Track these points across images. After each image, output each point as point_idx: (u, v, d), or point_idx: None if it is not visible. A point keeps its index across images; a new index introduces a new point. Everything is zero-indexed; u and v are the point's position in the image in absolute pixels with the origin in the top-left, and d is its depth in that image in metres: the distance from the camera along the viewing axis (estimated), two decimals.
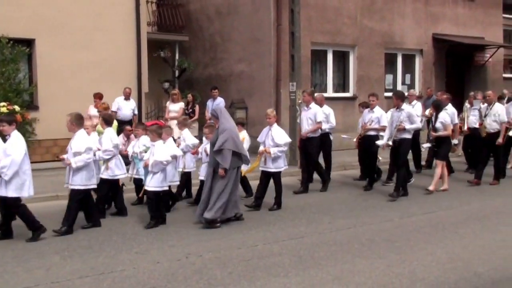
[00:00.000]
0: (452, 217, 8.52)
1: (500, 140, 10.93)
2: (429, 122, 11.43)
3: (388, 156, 10.67)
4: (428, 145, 10.80)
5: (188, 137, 9.56)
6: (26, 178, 7.17)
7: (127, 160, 9.11)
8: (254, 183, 9.58)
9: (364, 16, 16.62)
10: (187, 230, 7.71)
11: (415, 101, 12.48)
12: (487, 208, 9.16)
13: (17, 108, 11.35)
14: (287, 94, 13.58)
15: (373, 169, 10.98)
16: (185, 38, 17.36)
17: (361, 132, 10.98)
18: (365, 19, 16.65)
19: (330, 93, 16.04)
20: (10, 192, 7.04)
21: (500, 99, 13.03)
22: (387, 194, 9.92)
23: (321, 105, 10.94)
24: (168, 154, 8.02)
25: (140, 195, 8.89)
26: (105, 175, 8.51)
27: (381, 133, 10.56)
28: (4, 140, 7.24)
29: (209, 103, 14.03)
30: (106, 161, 8.51)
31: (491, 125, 11.02)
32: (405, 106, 10.05)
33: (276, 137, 8.93)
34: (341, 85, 16.79)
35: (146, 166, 8.01)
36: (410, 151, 10.76)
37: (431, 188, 10.21)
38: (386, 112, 11.18)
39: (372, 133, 10.81)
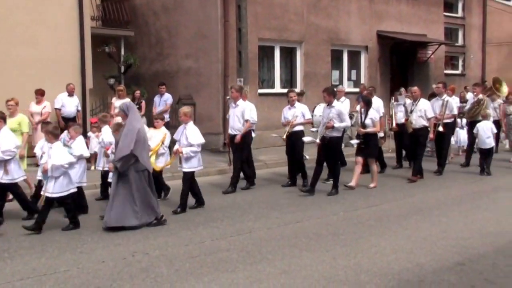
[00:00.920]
0: (396, 209, 8.73)
1: (431, 135, 11.15)
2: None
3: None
4: (356, 141, 10.55)
5: (106, 134, 9.01)
6: None
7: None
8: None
9: (310, 13, 16.79)
10: (133, 228, 7.58)
11: (343, 98, 12.53)
12: (429, 200, 9.42)
13: None
14: None
15: (302, 165, 10.73)
16: (131, 33, 17.07)
17: (288, 129, 10.66)
18: (311, 16, 16.82)
19: (277, 89, 16.14)
20: None
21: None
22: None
23: (244, 100, 10.60)
24: (67, 157, 7.54)
25: (40, 202, 7.76)
26: (4, 179, 7.96)
27: (312, 129, 10.52)
28: None
29: (156, 99, 13.86)
30: (5, 163, 7.94)
31: (417, 120, 11.06)
32: (336, 103, 9.95)
33: (190, 136, 8.52)
34: (289, 81, 16.92)
35: (45, 172, 7.48)
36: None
37: (371, 185, 10.31)
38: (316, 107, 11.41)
39: (298, 128, 10.61)
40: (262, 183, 11.03)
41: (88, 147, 9.13)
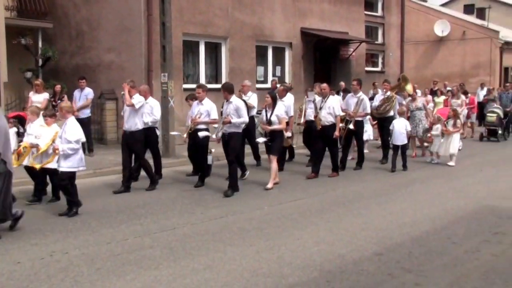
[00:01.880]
0: (319, 203, 8.92)
1: (336, 133, 11.00)
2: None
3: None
4: (263, 139, 10.25)
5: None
6: None
7: None
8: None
9: (235, 9, 16.81)
10: (52, 227, 7.31)
11: (250, 93, 12.27)
12: (350, 193, 9.70)
13: None
14: (159, 85, 13.36)
15: (206, 165, 10.34)
16: (49, 25, 16.37)
17: (190, 126, 10.26)
18: (236, 12, 16.85)
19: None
20: None
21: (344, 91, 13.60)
22: (258, 184, 10.16)
23: (146, 97, 10.18)
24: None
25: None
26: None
27: (215, 125, 10.09)
28: None
29: (76, 93, 13.38)
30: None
31: (326, 117, 10.94)
32: (234, 98, 9.65)
33: (68, 132, 7.90)
34: (214, 76, 16.89)
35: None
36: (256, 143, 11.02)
37: (269, 186, 9.88)
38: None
39: (202, 126, 10.15)
40: (187, 178, 10.94)
41: None
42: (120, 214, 8.04)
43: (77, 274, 5.48)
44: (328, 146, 11.19)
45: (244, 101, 10.88)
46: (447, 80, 27.19)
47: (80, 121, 13.04)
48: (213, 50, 16.92)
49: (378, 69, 24.08)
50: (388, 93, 13.18)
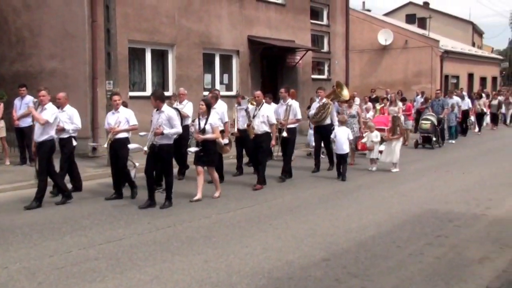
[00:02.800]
0: (267, 210, 8.94)
1: (273, 142, 10.92)
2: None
3: None
4: (195, 149, 9.69)
5: None
6: None
7: None
8: None
9: (182, 16, 16.72)
10: None
11: (186, 101, 11.74)
12: (298, 200, 9.77)
13: None
14: (104, 92, 13.11)
15: (126, 175, 9.93)
16: None
17: (110, 136, 9.73)
18: (183, 19, 16.76)
19: (149, 91, 15.82)
20: None
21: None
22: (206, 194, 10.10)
23: (64, 105, 9.83)
24: None
25: None
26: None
27: (141, 133, 9.44)
28: None
29: (17, 102, 12.96)
30: None
31: (259, 126, 10.72)
32: (165, 107, 9.14)
33: None
34: (161, 83, 16.69)
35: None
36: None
37: (216, 194, 9.69)
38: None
39: (122, 135, 9.71)
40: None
41: None
42: (64, 225, 7.82)
43: None
44: (258, 156, 10.90)
45: (178, 109, 10.67)
46: (391, 87, 27.97)
47: (21, 130, 12.80)
48: (160, 58, 16.75)
49: (324, 76, 24.45)
50: (324, 100, 12.92)
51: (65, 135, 9.71)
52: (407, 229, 7.63)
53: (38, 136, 9.15)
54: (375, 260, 6.21)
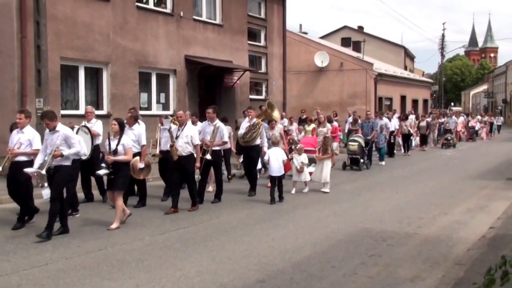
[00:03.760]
0: (202, 231, 8.77)
1: (197, 164, 10.46)
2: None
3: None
4: (105, 171, 9.01)
5: None
6: None
7: None
8: None
9: (117, 34, 16.44)
10: None
11: (94, 119, 11.13)
12: (234, 220, 9.66)
13: None
14: (34, 111, 12.59)
15: (30, 202, 9.11)
16: None
17: (8, 157, 8.76)
18: (118, 37, 16.48)
19: (82, 110, 15.38)
20: None
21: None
22: (140, 214, 9.83)
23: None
24: None
25: None
26: None
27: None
28: None
29: None
30: None
31: (183, 147, 10.24)
32: (60, 126, 8.43)
33: None
34: (94, 102, 16.27)
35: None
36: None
37: (113, 226, 8.73)
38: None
39: (23, 158, 8.82)
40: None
41: None
42: None
43: None
44: (185, 178, 10.58)
45: (88, 128, 10.38)
46: (327, 108, 28.51)
47: None
48: (94, 76, 16.36)
49: (262, 97, 24.62)
50: (254, 120, 12.56)
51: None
52: (342, 248, 7.66)
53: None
54: (310, 281, 6.16)
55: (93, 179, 11.03)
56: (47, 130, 8.47)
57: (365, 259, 7.10)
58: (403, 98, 38.39)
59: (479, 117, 39.63)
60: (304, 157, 12.56)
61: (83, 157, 9.67)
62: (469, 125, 34.00)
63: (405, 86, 38.92)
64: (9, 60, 13.77)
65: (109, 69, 16.29)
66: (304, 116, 22.68)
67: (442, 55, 65.08)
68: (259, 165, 13.66)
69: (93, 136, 10.57)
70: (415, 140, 26.40)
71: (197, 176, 11.25)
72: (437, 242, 8.11)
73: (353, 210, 10.70)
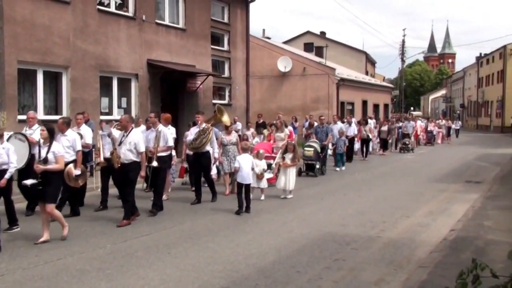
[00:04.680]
0: (166, 237, 8.64)
1: (142, 173, 9.80)
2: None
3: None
4: (32, 181, 8.27)
5: None
6: None
7: None
8: None
9: (77, 38, 16.12)
10: None
11: (36, 125, 10.50)
12: (198, 226, 9.54)
13: None
14: None
15: None
16: None
17: None
18: (78, 41, 16.16)
19: (41, 115, 14.99)
20: None
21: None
22: (101, 222, 9.61)
23: None
24: None
25: None
26: None
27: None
28: None
29: None
30: None
31: (126, 154, 9.56)
32: None
33: None
34: (53, 107, 15.91)
35: None
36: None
37: (42, 239, 8.15)
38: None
39: None
40: (23, 218, 9.95)
41: None
42: None
43: None
44: (124, 187, 9.78)
45: (25, 135, 9.91)
46: (290, 112, 28.67)
47: None
48: (53, 80, 15.99)
49: (226, 101, 24.54)
50: (204, 125, 12.09)
51: None
52: (306, 253, 7.65)
53: None
54: (275, 287, 6.12)
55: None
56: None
57: (330, 264, 7.11)
58: (364, 103, 38.91)
59: (439, 121, 40.51)
60: (264, 163, 12.20)
61: (11, 168, 8.70)
62: (428, 129, 34.66)
63: (366, 91, 39.46)
64: None
65: (68, 73, 15.95)
66: (261, 121, 22.66)
67: (403, 61, 66.23)
68: (214, 170, 13.37)
69: (31, 143, 9.91)
70: (374, 145, 26.60)
71: (143, 185, 10.74)
72: (400, 245, 8.19)
73: (316, 214, 10.72)
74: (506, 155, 25.02)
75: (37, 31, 14.92)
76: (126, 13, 18.15)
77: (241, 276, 6.51)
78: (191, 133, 12.31)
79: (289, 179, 12.55)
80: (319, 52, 41.14)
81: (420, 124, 34.21)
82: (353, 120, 23.83)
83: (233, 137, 13.29)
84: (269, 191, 12.82)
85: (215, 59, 23.81)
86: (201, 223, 9.85)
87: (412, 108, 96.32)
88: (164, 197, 11.48)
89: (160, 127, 11.04)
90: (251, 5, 25.96)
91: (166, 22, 20.24)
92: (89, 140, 11.18)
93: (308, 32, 51.01)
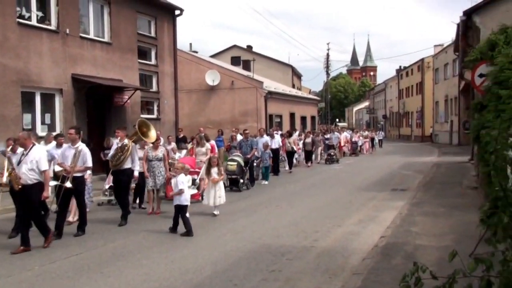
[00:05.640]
0: (97, 257, 8.37)
1: (45, 193, 9.07)
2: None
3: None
4: None
5: None
6: None
7: None
8: None
9: None
10: None
11: None
12: (131, 244, 9.31)
13: None
14: None
15: None
16: None
17: None
18: None
19: None
20: None
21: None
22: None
23: None
24: None
25: None
26: None
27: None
28: None
29: None
30: None
31: (27, 174, 8.79)
32: None
33: None
34: None
35: None
36: None
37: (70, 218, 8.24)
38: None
39: None
40: None
41: None
42: None
43: None
44: (28, 210, 8.91)
45: None
46: (219, 126, 28.70)
47: None
48: None
49: (154, 116, 24.21)
50: (126, 141, 11.59)
51: None
52: (243, 266, 7.64)
53: None
54: None
55: None
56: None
57: (266, 275, 7.13)
58: (292, 115, 39.55)
59: (362, 132, 41.86)
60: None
61: None
62: (353, 140, 35.68)
63: (294, 104, 40.15)
64: None
65: None
66: (182, 135, 22.44)
67: (327, 74, 68.12)
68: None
69: None
70: (299, 157, 26.92)
71: (54, 207, 10.27)
72: (333, 253, 8.35)
73: (250, 226, 10.74)
74: (428, 163, 26.17)
75: None
76: (48, 27, 17.58)
77: None
78: (112, 149, 11.85)
79: (219, 194, 12.12)
80: (246, 65, 41.54)
81: (345, 135, 35.14)
82: (277, 132, 23.95)
83: (160, 152, 12.80)
84: (196, 208, 12.59)
85: (142, 73, 23.48)
86: (134, 240, 9.63)
87: (337, 120, 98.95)
88: (70, 218, 10.90)
89: (81, 145, 10.09)
90: (178, 19, 25.88)
91: (91, 35, 19.77)
92: None
93: (235, 46, 51.39)
